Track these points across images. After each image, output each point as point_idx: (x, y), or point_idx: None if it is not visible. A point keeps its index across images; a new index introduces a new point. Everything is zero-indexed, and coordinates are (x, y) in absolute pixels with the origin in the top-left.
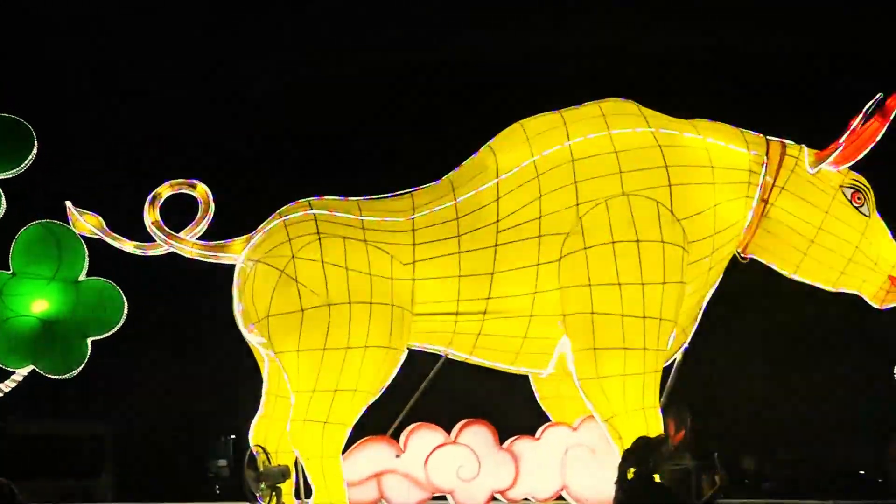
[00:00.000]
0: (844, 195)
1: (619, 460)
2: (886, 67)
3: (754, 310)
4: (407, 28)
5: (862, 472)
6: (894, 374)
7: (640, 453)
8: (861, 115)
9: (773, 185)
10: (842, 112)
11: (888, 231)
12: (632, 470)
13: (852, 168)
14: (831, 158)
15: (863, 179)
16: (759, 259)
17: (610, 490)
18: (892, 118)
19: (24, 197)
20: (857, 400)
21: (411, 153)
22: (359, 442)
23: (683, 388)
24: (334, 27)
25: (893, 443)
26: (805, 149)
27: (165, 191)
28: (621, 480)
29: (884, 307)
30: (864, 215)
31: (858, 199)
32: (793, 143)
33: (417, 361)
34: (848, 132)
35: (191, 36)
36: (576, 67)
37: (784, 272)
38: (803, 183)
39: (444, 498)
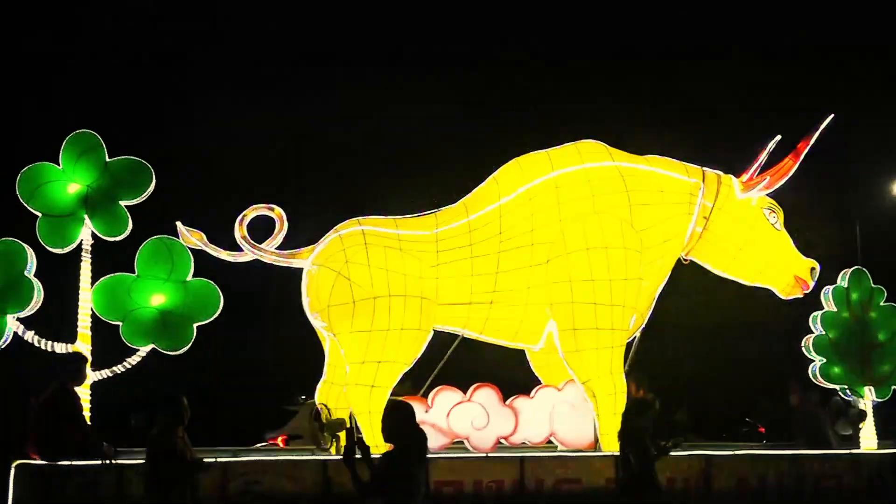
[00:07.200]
0: (764, 214)
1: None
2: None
3: (694, 299)
4: (459, 44)
5: (748, 419)
6: (802, 347)
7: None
8: (813, 136)
9: (713, 207)
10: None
11: (791, 241)
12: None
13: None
14: (758, 188)
15: (775, 203)
16: (696, 260)
17: (585, 435)
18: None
19: (145, 218)
20: (770, 368)
21: (438, 179)
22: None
23: (641, 358)
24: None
25: (793, 392)
26: (734, 178)
27: (251, 212)
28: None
29: (788, 298)
30: (777, 230)
31: (773, 217)
32: (724, 173)
33: (441, 340)
34: (756, 165)
35: (266, 72)
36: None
37: (716, 271)
38: (735, 206)
39: (461, 442)
